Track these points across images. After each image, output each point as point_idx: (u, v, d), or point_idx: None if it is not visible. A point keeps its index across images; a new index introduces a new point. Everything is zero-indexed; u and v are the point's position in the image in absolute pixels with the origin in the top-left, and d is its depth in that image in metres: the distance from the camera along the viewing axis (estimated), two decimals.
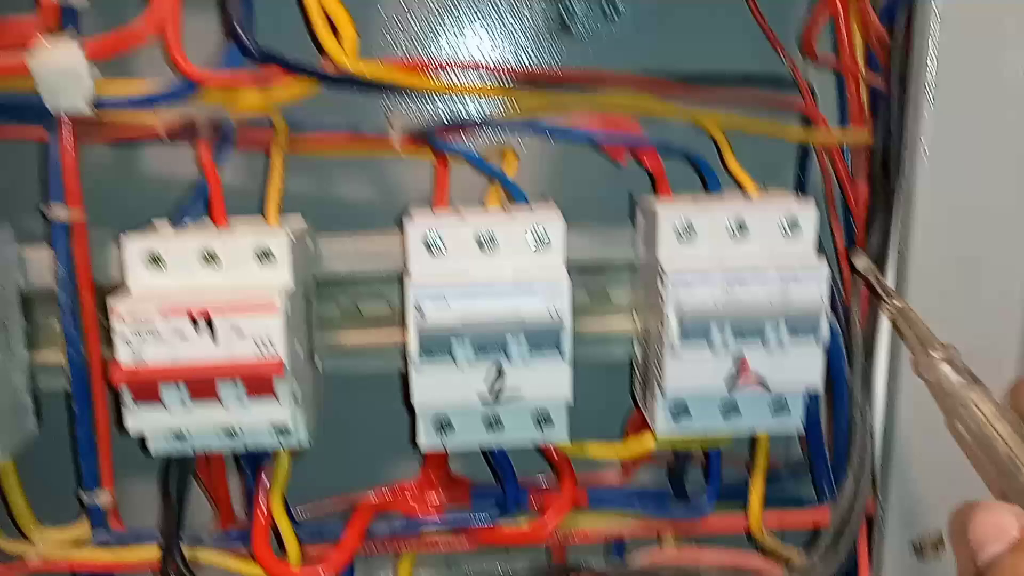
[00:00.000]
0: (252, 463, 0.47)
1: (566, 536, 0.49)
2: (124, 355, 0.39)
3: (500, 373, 0.41)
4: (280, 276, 0.41)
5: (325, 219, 0.47)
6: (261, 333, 0.39)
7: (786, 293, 0.41)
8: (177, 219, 0.44)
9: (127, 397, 0.40)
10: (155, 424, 0.41)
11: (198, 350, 0.39)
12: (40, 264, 0.46)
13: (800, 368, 0.42)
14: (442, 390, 0.42)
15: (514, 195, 0.46)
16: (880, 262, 0.45)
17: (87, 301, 0.44)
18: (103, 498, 0.47)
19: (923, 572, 0.48)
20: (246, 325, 0.39)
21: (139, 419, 0.41)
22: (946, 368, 0.31)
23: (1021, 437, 0.26)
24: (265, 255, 0.41)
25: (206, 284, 0.41)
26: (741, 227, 0.42)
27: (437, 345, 0.40)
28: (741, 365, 0.42)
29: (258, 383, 0.40)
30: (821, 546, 0.47)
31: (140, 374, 0.39)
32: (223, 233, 0.42)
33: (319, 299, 0.47)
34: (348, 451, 0.54)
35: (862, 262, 0.44)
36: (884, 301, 0.41)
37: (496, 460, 0.48)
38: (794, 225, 0.42)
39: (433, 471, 0.51)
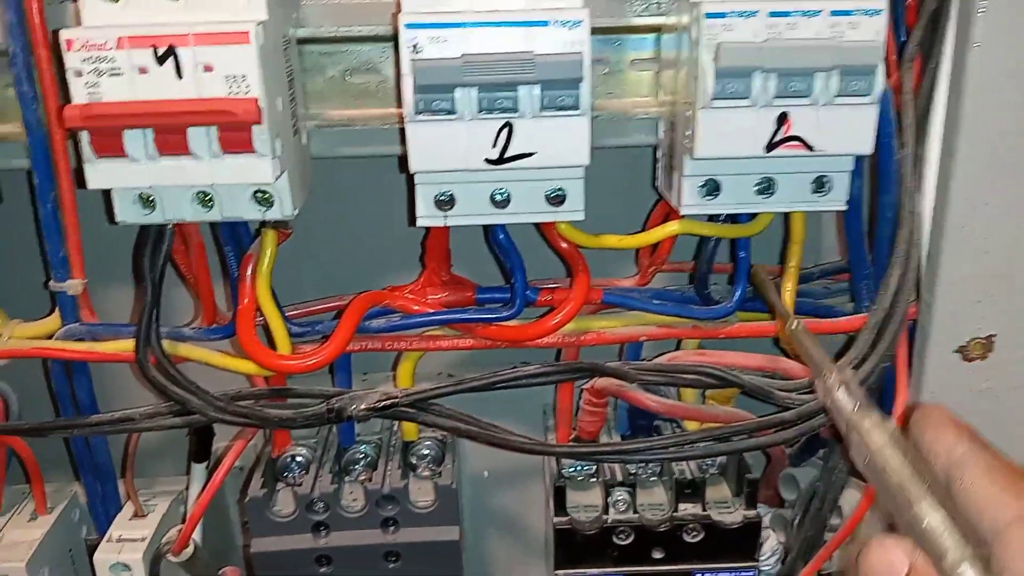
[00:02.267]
0: (235, 245, 0.43)
1: (579, 338, 0.45)
2: (79, 93, 0.34)
3: (509, 129, 0.36)
4: (253, 10, 0.36)
5: None
6: (234, 68, 0.34)
7: (837, 35, 0.35)
8: None
9: (87, 147, 0.36)
10: (119, 178, 0.36)
11: (162, 89, 0.34)
12: None
13: (849, 128, 0.37)
14: (442, 150, 0.37)
15: None
16: None
17: (43, 57, 0.39)
18: (73, 286, 0.43)
19: (969, 380, 0.44)
20: (216, 58, 0.34)
21: (100, 172, 0.36)
22: (840, 393, 0.29)
23: (912, 468, 0.25)
24: None
25: (169, 20, 0.36)
26: None
27: (437, 91, 0.35)
28: (783, 121, 0.36)
29: (233, 128, 0.35)
30: (856, 350, 0.43)
31: (99, 113, 0.34)
32: None
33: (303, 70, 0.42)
34: (339, 248, 0.50)
35: (764, 284, 0.40)
36: (783, 320, 0.37)
37: (502, 249, 0.43)
38: None
39: (434, 271, 0.46)
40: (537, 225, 0.44)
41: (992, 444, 0.26)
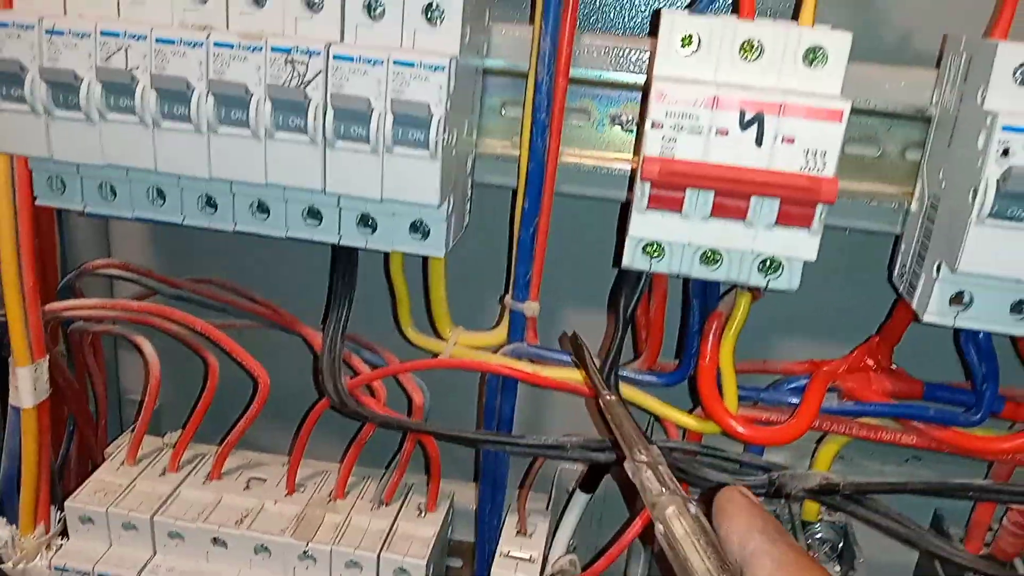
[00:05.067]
0: (703, 300, 0.42)
1: None
2: (653, 145, 0.34)
3: None
4: (830, 82, 0.35)
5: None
6: (816, 144, 0.33)
7: None
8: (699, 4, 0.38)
9: (642, 198, 0.35)
10: (666, 231, 0.36)
11: (736, 153, 0.34)
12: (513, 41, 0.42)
13: None
14: (1006, 256, 0.34)
15: None
16: None
17: (560, 87, 0.40)
18: (530, 307, 0.44)
19: None
20: (803, 132, 0.33)
21: (650, 224, 0.36)
22: (647, 475, 0.28)
23: (712, 561, 0.24)
24: (815, 55, 0.35)
25: (740, 80, 0.35)
26: None
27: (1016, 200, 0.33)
28: None
29: (799, 205, 0.34)
30: None
31: (680, 171, 0.34)
32: (767, 23, 0.35)
33: None
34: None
35: (582, 352, 0.40)
36: (598, 394, 0.37)
37: (982, 353, 0.41)
38: None
39: (873, 354, 0.44)
40: None
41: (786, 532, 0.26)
